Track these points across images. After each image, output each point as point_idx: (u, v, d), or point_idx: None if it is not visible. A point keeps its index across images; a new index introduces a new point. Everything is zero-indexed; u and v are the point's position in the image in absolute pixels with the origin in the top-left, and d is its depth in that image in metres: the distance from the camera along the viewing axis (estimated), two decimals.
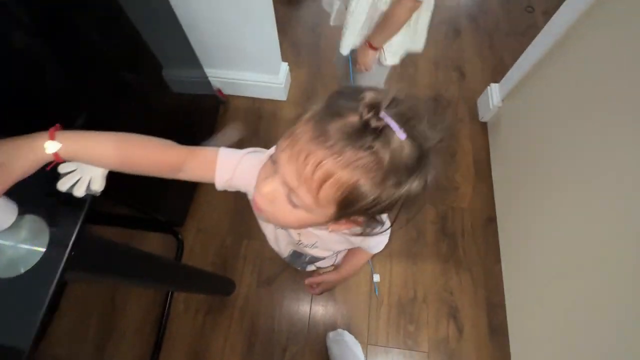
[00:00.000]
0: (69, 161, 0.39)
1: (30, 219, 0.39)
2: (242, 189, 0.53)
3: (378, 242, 0.59)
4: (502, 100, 1.38)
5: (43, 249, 0.38)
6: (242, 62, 1.40)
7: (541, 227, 1.05)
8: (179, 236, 1.24)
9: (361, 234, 0.45)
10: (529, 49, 1.20)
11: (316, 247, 0.59)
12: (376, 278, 1.20)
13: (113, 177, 0.43)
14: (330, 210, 0.36)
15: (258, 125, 1.50)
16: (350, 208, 0.35)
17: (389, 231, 0.54)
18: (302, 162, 0.33)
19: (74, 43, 0.75)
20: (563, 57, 1.03)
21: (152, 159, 0.45)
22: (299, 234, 0.57)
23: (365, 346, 1.11)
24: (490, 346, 1.12)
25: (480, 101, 1.52)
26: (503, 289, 1.19)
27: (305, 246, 0.60)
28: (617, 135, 0.80)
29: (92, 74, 0.84)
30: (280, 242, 0.65)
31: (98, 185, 0.40)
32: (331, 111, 0.33)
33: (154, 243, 1.25)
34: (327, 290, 0.79)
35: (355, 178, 0.32)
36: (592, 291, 0.81)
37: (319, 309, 1.17)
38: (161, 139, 0.46)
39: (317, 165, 0.32)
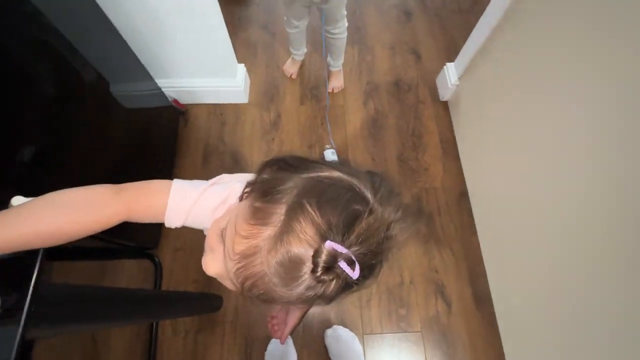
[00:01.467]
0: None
1: None
2: (198, 227, 0.49)
3: None
4: (459, 78, 1.42)
5: None
6: (196, 68, 1.34)
7: (510, 195, 1.10)
8: (156, 259, 1.18)
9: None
10: (478, 26, 1.23)
11: None
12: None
13: None
14: (231, 277, 0.35)
15: (222, 131, 1.45)
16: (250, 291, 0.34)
17: None
18: (237, 277, 0.32)
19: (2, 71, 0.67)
20: (511, 30, 1.07)
21: (81, 227, 0.39)
22: None
23: (361, 337, 1.12)
24: (477, 315, 1.17)
25: (438, 81, 1.56)
26: (482, 258, 1.24)
27: None
28: (566, 96, 0.84)
29: (30, 102, 0.76)
30: None
31: None
32: (290, 231, 0.30)
33: (130, 271, 1.19)
34: (293, 329, 0.72)
35: (267, 284, 0.31)
36: (564, 249, 0.87)
37: (311, 309, 1.16)
38: (89, 191, 0.41)
39: (251, 288, 0.32)
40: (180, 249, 1.23)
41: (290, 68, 1.57)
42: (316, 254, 0.29)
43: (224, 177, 0.49)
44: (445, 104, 1.53)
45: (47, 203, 0.37)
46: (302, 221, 0.30)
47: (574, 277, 0.83)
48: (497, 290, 1.17)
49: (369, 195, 0.33)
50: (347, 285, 0.31)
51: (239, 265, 0.32)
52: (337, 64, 1.48)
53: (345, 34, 1.33)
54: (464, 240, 1.28)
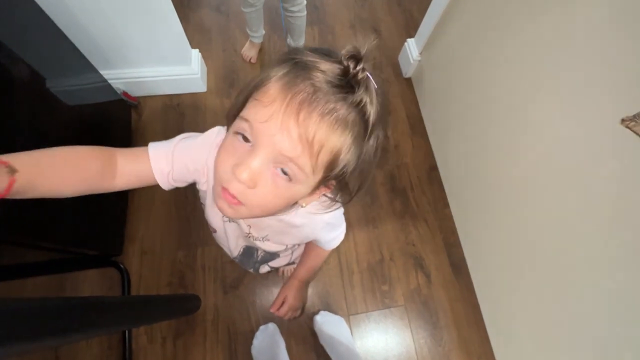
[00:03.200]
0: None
1: None
2: (189, 178, 0.47)
3: (333, 237, 0.57)
4: (420, 54, 1.42)
5: None
6: (145, 56, 1.23)
7: (477, 164, 1.13)
8: (121, 266, 1.09)
9: (330, 203, 0.42)
10: (433, 1, 1.24)
11: (268, 239, 0.55)
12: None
13: (7, 219, 0.33)
14: (318, 176, 0.34)
15: (182, 123, 1.35)
16: (333, 171, 0.33)
17: (344, 227, 0.57)
18: (301, 125, 0.30)
19: None
20: (465, 3, 1.08)
21: (75, 174, 0.39)
22: (249, 225, 0.53)
23: (347, 318, 1.12)
24: (456, 282, 1.21)
25: (400, 58, 1.56)
26: (456, 228, 1.28)
27: (256, 239, 0.55)
28: (528, 63, 0.86)
29: None
30: (230, 237, 0.59)
31: None
32: (306, 66, 0.31)
33: (93, 282, 1.09)
34: (295, 310, 0.71)
35: (348, 139, 0.32)
36: (530, 210, 0.90)
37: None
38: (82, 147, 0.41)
39: (317, 126, 0.30)
40: (148, 252, 1.15)
41: (249, 52, 1.49)
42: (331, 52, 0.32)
43: (189, 134, 0.48)
44: (409, 81, 1.54)
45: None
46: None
47: (543, 237, 0.87)
48: (471, 257, 1.22)
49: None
50: (366, 123, 0.33)
51: (306, 114, 0.30)
52: (298, 44, 1.43)
53: (305, 12, 1.28)
54: (437, 212, 1.31)
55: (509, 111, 0.94)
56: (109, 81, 1.18)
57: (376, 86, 0.32)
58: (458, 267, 1.23)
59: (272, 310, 0.68)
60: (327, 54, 0.33)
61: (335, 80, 0.30)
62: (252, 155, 0.31)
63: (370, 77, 0.32)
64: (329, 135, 0.30)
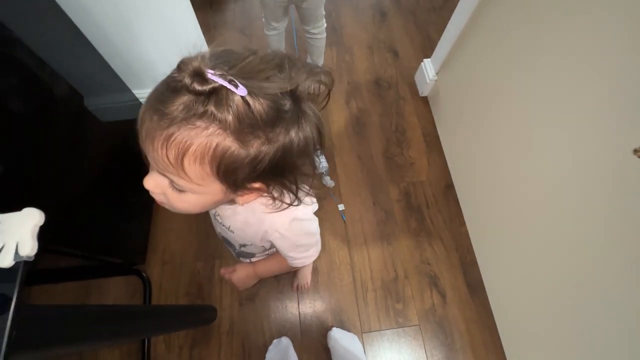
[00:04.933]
0: None
1: None
2: None
3: (296, 257, 0.58)
4: (437, 73, 1.45)
5: None
6: None
7: (494, 184, 1.13)
8: (143, 275, 1.14)
9: (276, 204, 0.43)
10: (451, 22, 1.26)
11: (232, 231, 0.57)
12: (341, 207, 1.32)
13: (48, 229, 0.37)
14: (216, 184, 0.35)
15: None
16: (233, 175, 0.34)
17: (313, 251, 0.61)
18: (152, 151, 0.33)
19: None
20: (482, 24, 1.10)
21: None
22: (216, 211, 0.57)
23: (360, 335, 1.12)
24: (472, 303, 1.18)
25: (417, 77, 1.58)
26: (472, 247, 1.26)
27: (224, 226, 0.58)
28: (543, 83, 0.87)
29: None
30: (215, 223, 0.63)
31: (29, 248, 0.34)
32: (160, 91, 0.32)
33: (117, 289, 1.14)
34: (244, 284, 0.73)
35: (211, 145, 0.31)
36: (550, 233, 0.89)
37: (308, 311, 1.15)
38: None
39: (165, 148, 0.31)
40: (168, 262, 1.20)
41: None
42: (183, 70, 0.29)
43: None
44: (425, 99, 1.56)
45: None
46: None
47: (563, 259, 0.85)
48: (488, 277, 1.19)
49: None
50: (249, 120, 0.31)
51: (152, 138, 0.32)
52: (318, 64, 1.49)
53: (325, 34, 1.34)
54: (453, 230, 1.30)
55: (525, 132, 0.94)
56: (140, 100, 1.26)
57: (241, 89, 0.30)
58: (474, 287, 1.21)
59: (221, 272, 0.73)
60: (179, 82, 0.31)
61: (180, 102, 0.30)
62: (150, 173, 0.38)
63: (224, 83, 0.29)
64: (183, 153, 0.32)
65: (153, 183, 0.37)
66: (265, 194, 0.41)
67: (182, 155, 0.32)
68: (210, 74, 0.29)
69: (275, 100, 0.32)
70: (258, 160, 0.33)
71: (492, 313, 1.16)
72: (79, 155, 0.99)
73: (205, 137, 0.31)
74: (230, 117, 0.30)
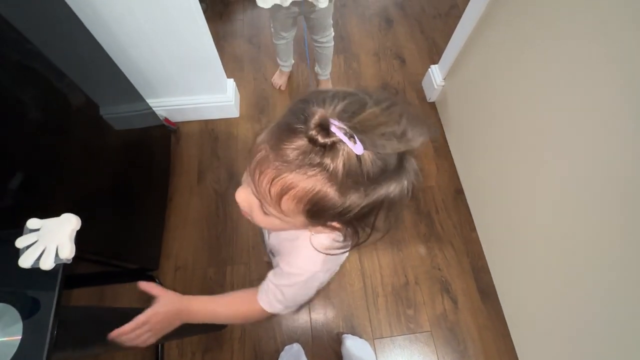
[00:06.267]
0: None
1: None
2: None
3: (274, 290, 0.51)
4: (444, 79, 1.46)
5: (18, 337, 0.33)
6: (186, 86, 1.34)
7: (504, 189, 1.13)
8: (157, 281, 1.15)
9: (344, 243, 0.42)
10: (457, 28, 1.28)
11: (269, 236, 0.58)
12: None
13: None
14: (300, 218, 0.37)
15: (216, 147, 1.44)
16: (320, 216, 0.36)
17: (289, 302, 0.52)
18: (257, 181, 0.34)
19: None
20: (489, 30, 1.12)
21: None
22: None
23: (372, 341, 1.12)
24: (484, 309, 1.18)
25: (424, 83, 1.60)
26: (483, 252, 1.26)
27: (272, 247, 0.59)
28: (550, 87, 0.88)
29: (17, 129, 0.75)
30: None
31: (68, 251, 0.35)
32: (283, 129, 0.33)
33: (130, 295, 1.16)
34: (156, 325, 0.50)
35: (313, 190, 0.32)
36: (561, 238, 0.89)
37: (319, 318, 1.15)
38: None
39: (270, 184, 0.33)
40: (181, 268, 1.21)
41: (279, 80, 1.58)
42: (309, 116, 0.30)
43: None
44: (432, 105, 1.57)
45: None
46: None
47: (575, 264, 0.85)
48: (500, 283, 1.19)
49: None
50: (355, 175, 0.32)
51: (260, 172, 0.34)
52: (325, 72, 1.51)
53: (332, 43, 1.36)
54: (464, 236, 1.30)
55: (534, 136, 0.95)
56: (153, 108, 1.29)
57: (357, 146, 0.30)
58: (486, 293, 1.20)
59: (114, 334, 0.46)
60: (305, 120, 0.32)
61: (297, 148, 0.31)
62: (243, 186, 0.39)
63: (343, 138, 0.30)
64: (285, 192, 0.33)
65: (245, 198, 0.39)
66: (338, 232, 0.41)
67: (284, 194, 0.33)
68: (334, 126, 0.30)
69: (385, 159, 0.33)
70: (350, 209, 0.34)
71: (504, 320, 1.15)
72: (95, 163, 1.01)
73: (311, 183, 0.32)
74: (340, 170, 0.31)
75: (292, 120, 0.32)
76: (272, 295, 0.51)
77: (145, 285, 0.51)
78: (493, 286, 1.20)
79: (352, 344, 1.07)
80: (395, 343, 1.13)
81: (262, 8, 1.12)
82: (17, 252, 0.35)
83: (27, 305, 0.34)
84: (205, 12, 1.13)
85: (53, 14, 0.90)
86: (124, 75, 1.13)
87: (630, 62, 0.66)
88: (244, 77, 1.63)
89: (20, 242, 0.34)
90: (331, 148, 0.30)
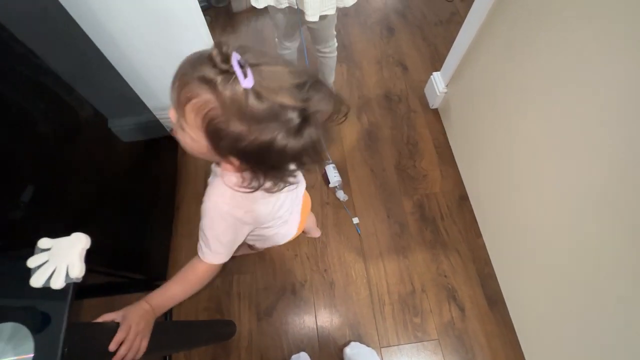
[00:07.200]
0: None
1: (5, 327, 0.35)
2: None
3: (216, 250, 0.58)
4: (446, 86, 1.47)
5: (30, 355, 0.34)
6: None
7: (509, 194, 1.12)
8: None
9: (248, 183, 0.48)
10: (459, 36, 1.29)
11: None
12: (355, 220, 1.32)
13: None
14: (203, 137, 0.42)
15: None
16: (217, 140, 0.41)
17: (208, 246, 0.58)
18: (173, 92, 0.41)
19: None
20: (490, 37, 1.12)
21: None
22: None
23: (378, 350, 1.11)
24: (492, 316, 1.17)
25: (427, 90, 1.60)
26: (490, 259, 1.25)
27: None
28: (552, 92, 0.88)
29: (27, 143, 0.77)
30: None
31: (78, 271, 0.36)
32: (204, 53, 0.39)
33: None
34: (143, 328, 0.54)
35: (206, 106, 0.38)
36: (568, 243, 0.88)
37: (326, 326, 1.15)
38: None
39: (179, 93, 0.40)
40: None
41: None
42: (223, 46, 0.37)
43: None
44: (435, 111, 1.58)
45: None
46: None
47: (584, 270, 0.84)
48: (508, 289, 1.18)
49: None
50: (240, 105, 0.37)
51: (175, 81, 0.41)
52: (328, 82, 1.52)
53: (336, 53, 1.38)
54: (470, 242, 1.29)
55: (538, 141, 0.95)
56: (160, 120, 1.32)
57: (248, 81, 0.36)
58: (494, 300, 1.19)
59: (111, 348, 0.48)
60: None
61: (204, 67, 0.38)
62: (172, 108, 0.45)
63: (238, 72, 0.36)
64: (189, 99, 0.39)
65: (172, 115, 0.45)
66: (239, 172, 0.47)
67: (187, 102, 0.40)
68: (235, 59, 0.36)
69: (274, 108, 0.38)
70: (236, 140, 0.40)
71: (513, 327, 1.14)
72: (104, 175, 1.04)
73: (205, 98, 0.38)
74: (227, 95, 0.37)
75: (211, 50, 0.38)
76: (201, 243, 0.58)
77: (105, 317, 0.53)
78: (500, 293, 1.19)
79: (359, 352, 1.07)
80: (402, 352, 1.12)
81: (266, 20, 1.14)
82: (28, 270, 0.36)
83: (38, 323, 0.35)
84: (209, 24, 1.16)
85: (62, 30, 0.92)
86: (131, 88, 1.16)
87: (636, 66, 0.66)
88: None
89: (31, 262, 0.35)
90: (227, 73, 0.36)
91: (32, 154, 0.79)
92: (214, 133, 0.40)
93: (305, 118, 0.39)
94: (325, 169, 1.38)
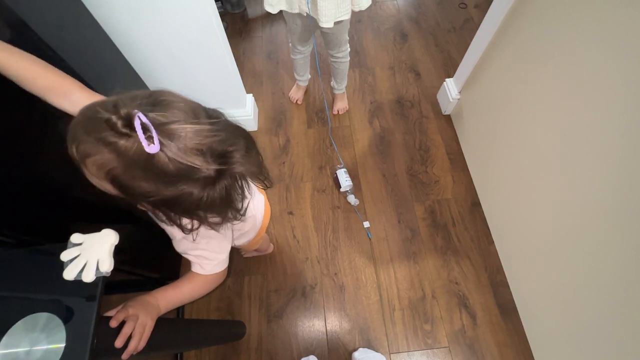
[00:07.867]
0: None
1: (39, 317, 0.37)
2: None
3: (213, 262, 0.60)
4: (459, 92, 1.47)
5: (62, 345, 0.35)
6: (207, 102, 1.38)
7: (522, 201, 1.11)
8: None
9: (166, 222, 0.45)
10: (473, 42, 1.29)
11: None
12: (366, 225, 1.32)
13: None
14: (109, 186, 0.39)
15: None
16: (125, 193, 0.39)
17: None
18: (70, 144, 0.38)
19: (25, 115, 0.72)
20: (504, 44, 1.12)
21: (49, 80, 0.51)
22: None
23: (388, 356, 1.11)
24: (503, 325, 1.15)
25: (439, 96, 1.61)
26: (502, 267, 1.24)
27: None
28: (567, 99, 0.87)
29: (47, 145, 0.80)
30: None
31: (107, 265, 0.38)
32: (98, 107, 0.36)
33: None
34: (148, 326, 0.50)
35: (107, 165, 0.36)
36: (581, 250, 0.87)
37: (336, 330, 1.16)
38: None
39: (77, 147, 0.37)
40: None
41: (296, 94, 1.63)
42: (119, 106, 0.34)
43: None
44: (448, 117, 1.58)
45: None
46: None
47: (599, 279, 0.83)
48: (521, 298, 1.16)
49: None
50: (146, 168, 0.35)
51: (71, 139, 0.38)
52: (340, 87, 1.54)
53: (348, 58, 1.39)
54: (481, 249, 1.28)
55: (552, 148, 0.94)
56: None
57: (152, 148, 0.34)
58: (506, 309, 1.17)
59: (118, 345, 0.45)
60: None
61: (101, 128, 0.35)
62: None
63: (141, 138, 0.33)
64: (85, 157, 0.37)
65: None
66: (153, 214, 0.45)
67: (85, 158, 0.37)
68: (138, 121, 0.33)
69: (184, 169, 0.36)
70: (144, 195, 0.38)
71: (525, 336, 1.12)
72: None
73: (106, 157, 0.36)
74: (130, 158, 0.35)
75: (108, 114, 0.35)
76: (195, 265, 0.60)
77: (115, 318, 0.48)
78: (513, 301, 1.18)
79: (368, 357, 1.07)
80: (412, 358, 1.11)
81: (281, 25, 1.16)
82: (61, 264, 0.38)
83: (70, 314, 0.37)
84: (226, 29, 1.19)
85: (89, 37, 0.96)
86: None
87: None
88: (263, 92, 1.68)
89: (64, 256, 0.37)
90: (128, 138, 0.34)
91: (54, 157, 0.82)
92: (120, 187, 0.38)
93: (221, 172, 0.38)
94: (336, 173, 1.39)
